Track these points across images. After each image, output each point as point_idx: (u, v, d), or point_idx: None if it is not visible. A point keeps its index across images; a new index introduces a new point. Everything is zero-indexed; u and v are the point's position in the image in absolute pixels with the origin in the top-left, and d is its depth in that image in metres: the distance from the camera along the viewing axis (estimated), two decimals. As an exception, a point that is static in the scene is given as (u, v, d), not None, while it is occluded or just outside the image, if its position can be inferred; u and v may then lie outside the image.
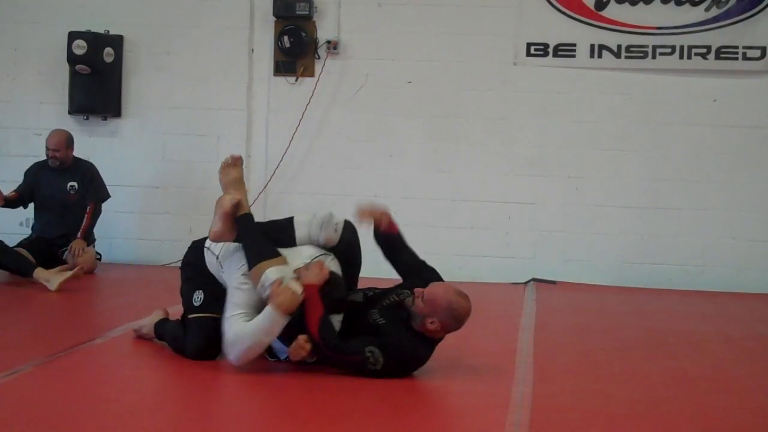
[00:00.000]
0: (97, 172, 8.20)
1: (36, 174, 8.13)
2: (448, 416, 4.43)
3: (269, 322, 4.66)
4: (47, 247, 7.90)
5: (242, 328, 4.72)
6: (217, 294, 5.03)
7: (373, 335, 4.76)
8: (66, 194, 8.03)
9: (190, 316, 5.08)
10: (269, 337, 4.72)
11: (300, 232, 5.03)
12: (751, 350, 6.04)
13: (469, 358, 5.36)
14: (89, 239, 8.06)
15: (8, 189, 8.95)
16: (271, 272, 4.75)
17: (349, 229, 5.09)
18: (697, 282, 8.39)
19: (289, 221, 5.09)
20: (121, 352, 5.30)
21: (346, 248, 5.07)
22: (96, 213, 8.06)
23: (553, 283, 8.41)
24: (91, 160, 8.59)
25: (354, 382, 4.70)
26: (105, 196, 8.18)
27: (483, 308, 7.20)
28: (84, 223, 7.96)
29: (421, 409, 4.56)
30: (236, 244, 5.01)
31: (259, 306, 4.79)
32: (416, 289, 4.80)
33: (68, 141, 8.05)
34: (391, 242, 5.20)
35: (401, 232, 5.25)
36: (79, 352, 5.25)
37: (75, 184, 8.06)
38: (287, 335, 4.75)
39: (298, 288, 4.64)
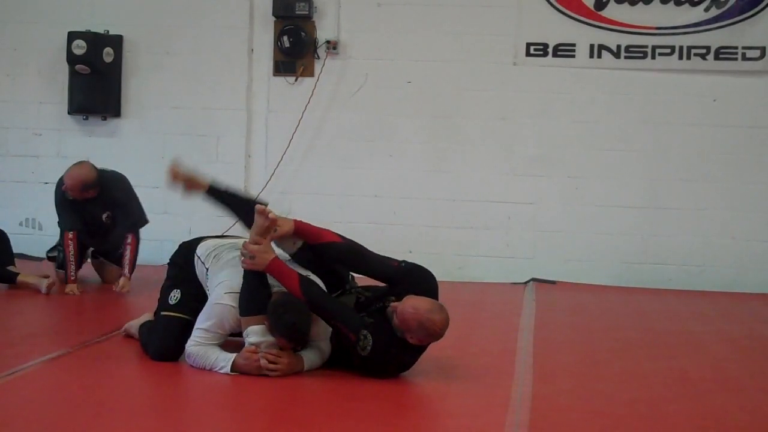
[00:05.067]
0: (128, 198, 7.36)
1: (71, 203, 7.22)
2: (447, 416, 4.42)
3: (222, 366, 4.78)
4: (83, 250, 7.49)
5: (201, 353, 4.84)
6: (194, 296, 5.08)
7: (370, 324, 4.76)
8: (102, 222, 7.30)
9: (162, 313, 5.14)
10: (217, 371, 4.81)
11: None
12: (751, 350, 6.04)
13: (469, 358, 5.36)
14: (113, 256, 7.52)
15: (8, 189, 8.97)
16: (253, 332, 4.75)
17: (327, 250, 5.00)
18: (697, 282, 8.39)
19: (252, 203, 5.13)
20: (121, 352, 5.29)
21: (320, 266, 5.01)
22: (137, 243, 7.25)
23: (553, 283, 8.41)
24: (90, 160, 8.57)
25: (353, 383, 4.70)
26: (140, 222, 7.37)
27: (483, 308, 7.23)
28: (128, 257, 7.14)
29: (420, 409, 4.56)
30: (225, 259, 5.03)
31: (232, 325, 4.86)
32: (391, 305, 4.73)
33: (84, 186, 7.11)
34: (342, 253, 4.98)
35: (349, 240, 5.02)
36: (79, 352, 5.25)
37: (109, 212, 7.28)
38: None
39: (266, 364, 4.71)
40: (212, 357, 4.82)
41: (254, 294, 4.80)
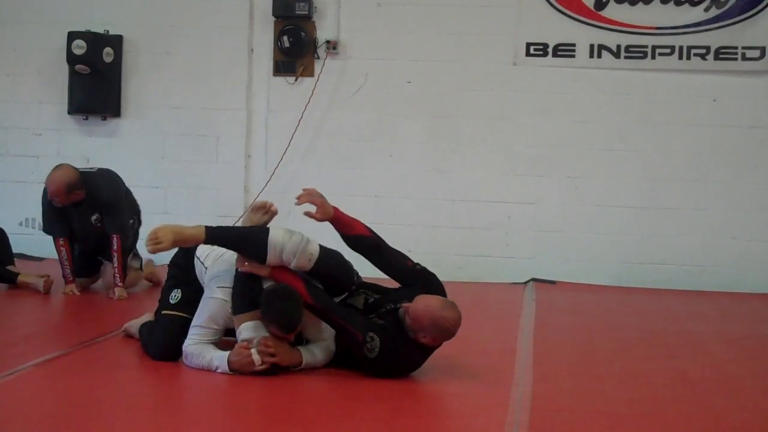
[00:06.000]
0: (116, 198, 7.09)
1: (57, 210, 7.01)
2: (447, 416, 4.42)
3: (218, 365, 4.77)
4: (91, 260, 7.32)
5: (197, 352, 4.84)
6: (194, 296, 5.09)
7: (379, 325, 4.77)
8: (92, 227, 7.04)
9: (163, 311, 5.16)
10: (215, 371, 4.79)
11: (272, 256, 4.83)
12: (751, 350, 6.04)
13: (469, 358, 5.35)
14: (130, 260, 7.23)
15: (8, 189, 8.98)
16: (245, 328, 4.77)
17: (323, 260, 4.92)
18: (697, 282, 8.39)
19: (264, 240, 4.84)
20: (121, 351, 5.30)
21: (320, 276, 4.95)
22: (125, 248, 6.98)
23: (553, 283, 8.41)
24: (90, 160, 8.57)
25: (353, 383, 4.70)
26: (125, 227, 7.09)
27: (482, 308, 7.23)
28: (117, 266, 6.91)
29: (421, 410, 4.56)
30: (223, 258, 5.02)
31: (225, 320, 4.88)
32: (402, 306, 4.75)
33: (67, 189, 6.86)
34: (367, 247, 5.05)
35: (375, 235, 5.09)
36: (79, 352, 5.25)
37: (97, 215, 7.01)
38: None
39: (258, 359, 4.68)
40: (207, 356, 4.82)
41: (246, 291, 4.83)
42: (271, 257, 4.82)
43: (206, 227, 4.89)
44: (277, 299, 4.71)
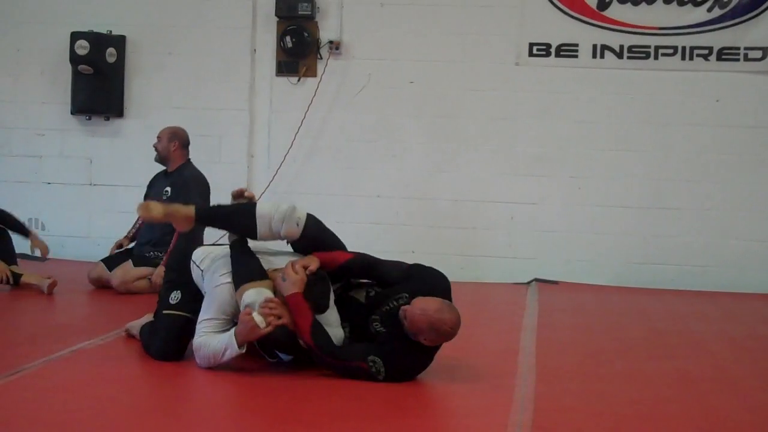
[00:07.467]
0: (194, 185, 7.27)
1: (154, 179, 7.59)
2: (450, 416, 4.42)
3: (226, 347, 4.73)
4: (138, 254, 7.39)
5: (205, 341, 4.81)
6: (193, 296, 5.08)
7: (375, 343, 4.76)
8: (159, 199, 6.88)
9: (163, 311, 5.14)
10: (225, 359, 4.76)
11: (261, 226, 4.93)
12: (753, 350, 6.04)
13: (472, 359, 5.36)
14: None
15: (11, 189, 8.99)
16: (248, 296, 4.76)
17: (312, 224, 4.99)
18: (699, 282, 8.39)
19: (251, 211, 4.97)
20: (123, 352, 5.30)
21: (310, 243, 4.98)
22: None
23: (555, 283, 8.41)
24: (92, 160, 8.57)
25: (355, 383, 4.70)
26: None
27: (485, 308, 7.23)
28: (170, 246, 6.51)
29: (423, 410, 4.56)
30: (221, 258, 5.02)
31: (232, 305, 4.85)
32: (401, 309, 4.68)
33: (171, 135, 7.41)
34: (359, 269, 4.99)
35: (360, 253, 5.04)
36: (78, 352, 5.26)
37: (169, 189, 7.30)
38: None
39: (261, 321, 4.63)
40: (214, 341, 4.77)
41: (243, 265, 4.85)
42: (261, 229, 4.93)
43: (196, 206, 5.07)
44: (317, 283, 4.74)
